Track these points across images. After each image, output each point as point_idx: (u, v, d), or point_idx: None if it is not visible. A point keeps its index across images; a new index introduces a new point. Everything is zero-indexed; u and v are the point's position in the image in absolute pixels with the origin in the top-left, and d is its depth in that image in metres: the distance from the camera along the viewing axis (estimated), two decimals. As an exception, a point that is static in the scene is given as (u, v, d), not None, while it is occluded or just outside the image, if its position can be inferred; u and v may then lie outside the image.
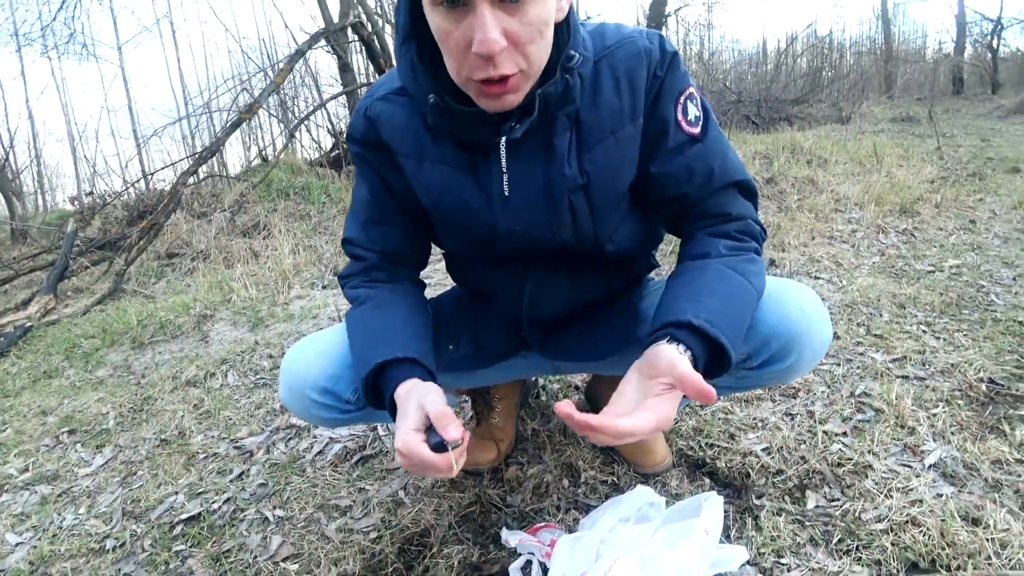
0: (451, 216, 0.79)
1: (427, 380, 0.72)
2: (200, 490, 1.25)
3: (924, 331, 1.55)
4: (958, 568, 0.82)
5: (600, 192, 0.76)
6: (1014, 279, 1.88)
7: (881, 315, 1.66)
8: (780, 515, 0.95)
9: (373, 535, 1.01)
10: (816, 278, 2.05)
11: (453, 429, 0.62)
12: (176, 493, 1.25)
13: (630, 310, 0.91)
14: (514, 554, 0.90)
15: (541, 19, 0.60)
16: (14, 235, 5.38)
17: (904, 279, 1.93)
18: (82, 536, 1.17)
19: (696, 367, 0.62)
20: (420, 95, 0.70)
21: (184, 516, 1.17)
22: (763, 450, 1.11)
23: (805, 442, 1.13)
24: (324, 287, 2.69)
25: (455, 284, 1.03)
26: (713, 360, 0.66)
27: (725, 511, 0.94)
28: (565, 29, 0.67)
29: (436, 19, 0.60)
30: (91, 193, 5.07)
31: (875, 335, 1.54)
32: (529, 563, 0.87)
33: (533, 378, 1.39)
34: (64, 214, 5.35)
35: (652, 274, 1.01)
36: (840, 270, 2.10)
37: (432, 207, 0.81)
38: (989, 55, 9.24)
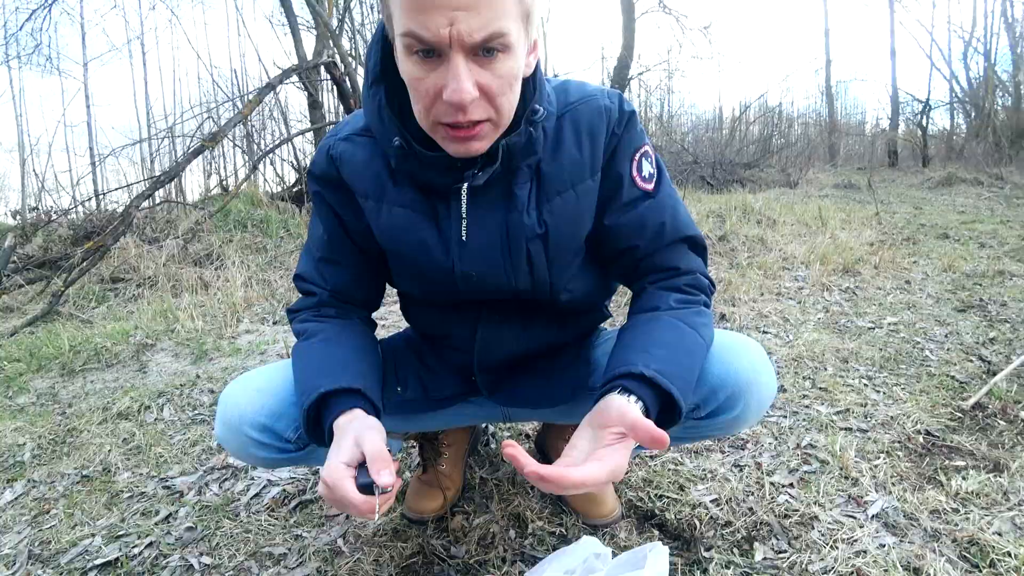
0: (408, 258, 0.79)
1: (370, 415, 0.70)
2: (120, 532, 1.15)
3: (866, 384, 1.61)
4: (899, 623, 0.82)
5: (557, 242, 0.77)
6: (946, 336, 1.98)
7: (826, 369, 1.72)
8: (728, 567, 0.94)
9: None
10: (765, 332, 2.12)
11: (387, 475, 0.61)
12: (93, 535, 1.14)
13: (582, 359, 0.92)
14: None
15: (512, 73, 0.62)
16: (-56, 250, 5.03)
17: (847, 335, 2.02)
18: None
19: (648, 417, 0.62)
20: (385, 137, 0.71)
21: (99, 561, 1.06)
22: (712, 501, 1.11)
23: (753, 493, 1.14)
24: (275, 322, 2.61)
25: (408, 327, 1.02)
26: (664, 411, 0.66)
27: (673, 564, 0.94)
28: (531, 84, 0.70)
29: (409, 66, 0.61)
30: (35, 208, 4.83)
31: (820, 388, 1.59)
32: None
33: (483, 425, 1.37)
34: (3, 228, 5.07)
35: (605, 324, 1.02)
36: (787, 325, 2.18)
37: (390, 248, 0.80)
38: (919, 132, 10.08)
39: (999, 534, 0.97)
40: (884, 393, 1.54)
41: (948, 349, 1.86)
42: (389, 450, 0.64)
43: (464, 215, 0.74)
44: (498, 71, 0.61)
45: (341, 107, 5.05)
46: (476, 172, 0.71)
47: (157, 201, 4.44)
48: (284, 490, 1.24)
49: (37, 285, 3.42)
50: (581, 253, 0.81)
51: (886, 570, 0.90)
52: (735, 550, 0.98)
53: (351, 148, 0.77)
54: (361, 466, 0.62)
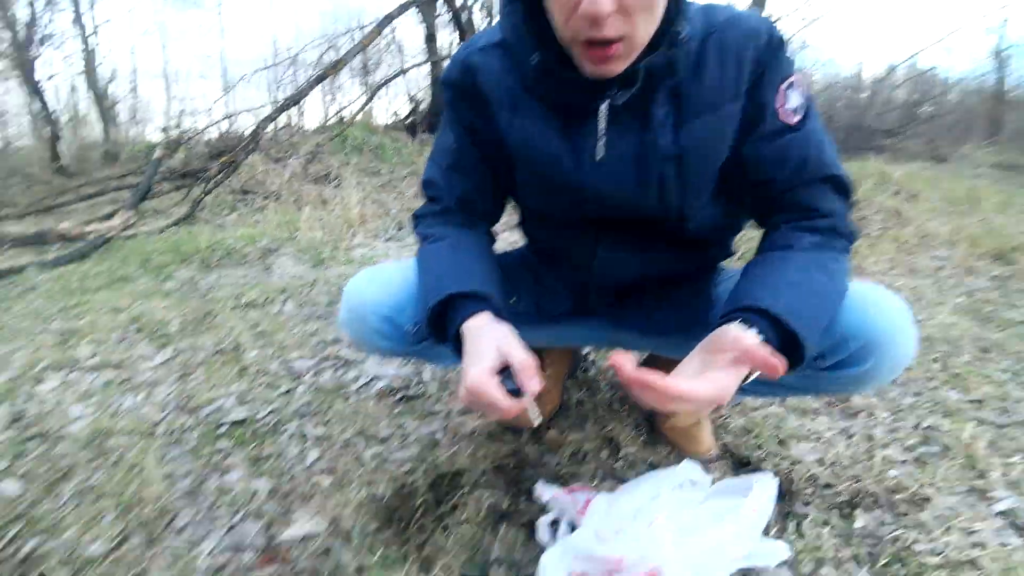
0: (539, 171, 0.79)
1: (499, 320, 0.71)
2: (248, 398, 1.30)
3: (1008, 379, 1.43)
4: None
5: (692, 166, 0.73)
6: None
7: (961, 355, 1.55)
8: (825, 527, 0.90)
9: (407, 467, 1.03)
10: (890, 309, 1.94)
11: (535, 383, 0.63)
12: (226, 397, 1.31)
13: (701, 294, 0.89)
14: (544, 510, 0.90)
15: None
16: (106, 157, 5.75)
17: (991, 324, 1.79)
18: (137, 419, 1.24)
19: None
20: (523, 54, 0.71)
21: (231, 419, 1.22)
22: (815, 461, 1.06)
23: (860, 463, 1.07)
24: (388, 239, 2.76)
25: (522, 244, 1.03)
26: (785, 353, 0.61)
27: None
28: (675, 3, 0.66)
29: None
30: (179, 126, 5.36)
31: (952, 373, 1.44)
32: (558, 521, 0.86)
33: (584, 351, 1.37)
34: (151, 145, 5.68)
35: (727, 263, 0.97)
36: (919, 304, 1.97)
37: (521, 160, 0.80)
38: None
39: None
40: (1031, 391, 1.37)
41: None
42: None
43: (602, 133, 0.73)
44: None
45: (457, 40, 5.05)
46: (615, 91, 0.69)
47: (281, 125, 4.74)
48: (390, 384, 1.33)
49: (180, 193, 3.83)
50: (714, 181, 0.77)
51: (1007, 569, 0.82)
52: (835, 512, 0.93)
53: (487, 59, 0.77)
54: (504, 371, 0.64)
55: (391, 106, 6.27)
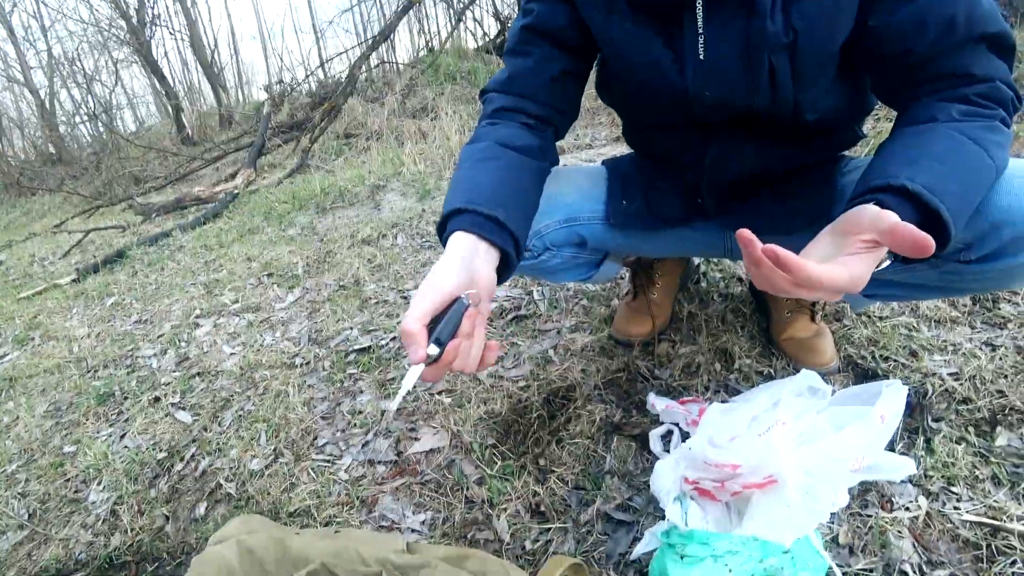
0: (637, 77, 0.75)
1: (482, 236, 0.63)
2: (371, 328, 1.44)
3: None
4: None
5: (807, 52, 0.65)
6: None
7: None
8: (960, 443, 0.85)
9: (521, 383, 1.11)
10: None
11: (417, 352, 0.53)
12: (351, 328, 1.46)
13: (827, 185, 0.81)
14: (656, 421, 0.93)
15: None
16: (222, 121, 6.27)
17: None
18: (278, 353, 1.43)
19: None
20: None
21: (357, 347, 1.37)
22: (951, 375, 0.98)
23: (1007, 377, 0.97)
24: None
25: (631, 151, 0.99)
26: (928, 230, 0.51)
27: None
28: None
29: None
30: (280, 82, 5.69)
31: None
32: (671, 432, 0.89)
33: (697, 263, 1.35)
34: (259, 103, 6.09)
35: (855, 150, 0.87)
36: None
37: (618, 66, 0.76)
38: None
39: None
40: None
41: None
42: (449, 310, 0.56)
43: (701, 30, 0.67)
44: None
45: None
46: None
47: (374, 64, 4.83)
48: (501, 305, 1.41)
49: (290, 145, 4.11)
50: (835, 63, 0.68)
51: None
52: (971, 428, 0.87)
53: None
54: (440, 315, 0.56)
55: (479, 28, 6.11)
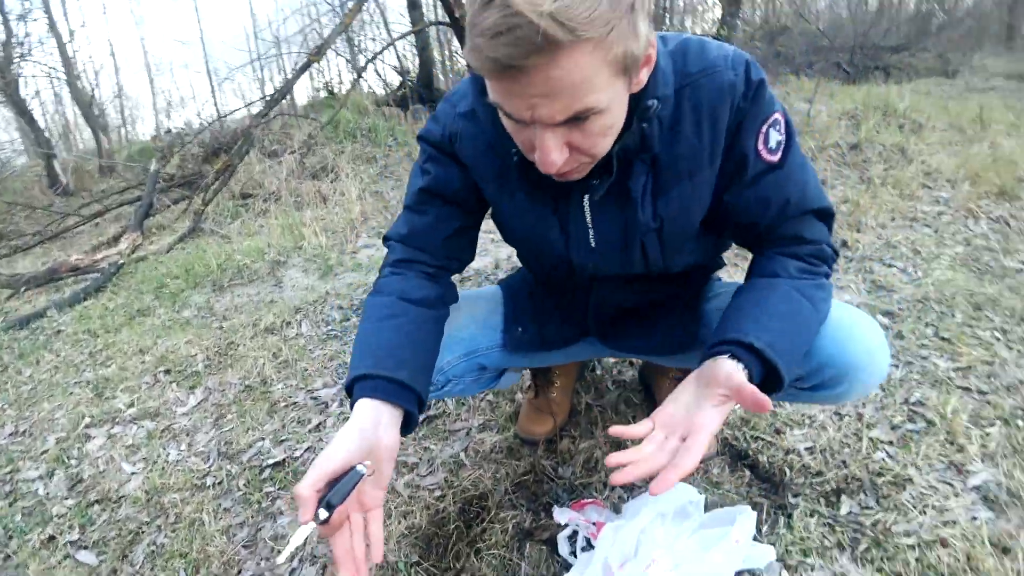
0: (528, 244, 0.87)
1: (386, 400, 0.71)
2: (283, 437, 1.44)
3: (998, 339, 1.52)
4: (977, 593, 0.88)
5: (672, 233, 0.80)
6: None
7: (954, 316, 1.63)
8: (813, 516, 1.02)
9: (437, 493, 1.17)
10: (890, 266, 2.00)
11: (305, 514, 0.62)
12: (263, 439, 1.45)
13: (693, 311, 0.96)
14: (562, 526, 1.03)
15: (606, 126, 0.62)
16: (102, 170, 5.83)
17: (987, 277, 1.86)
18: (186, 472, 1.38)
19: (752, 382, 0.67)
20: (501, 146, 0.75)
21: (271, 461, 1.36)
22: (806, 449, 1.17)
23: (849, 446, 1.18)
24: None
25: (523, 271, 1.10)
26: (768, 379, 0.70)
27: (759, 504, 1.04)
28: (648, 79, 0.65)
29: (503, 118, 0.63)
30: (169, 131, 5.41)
31: (943, 338, 1.53)
32: (575, 533, 0.99)
33: None
34: (146, 147, 5.74)
35: (718, 273, 1.04)
36: (917, 259, 2.03)
37: (510, 229, 0.88)
38: None
39: None
40: (1018, 352, 1.45)
41: None
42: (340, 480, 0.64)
43: (590, 224, 0.79)
44: (590, 130, 0.61)
45: (441, 7, 4.93)
46: (594, 183, 0.73)
47: (272, 116, 4.75)
48: None
49: (181, 204, 3.92)
50: (696, 234, 0.83)
51: (972, 545, 0.94)
52: (822, 500, 1.06)
53: (471, 129, 0.79)
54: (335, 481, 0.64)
55: (381, 77, 6.18)
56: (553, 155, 0.60)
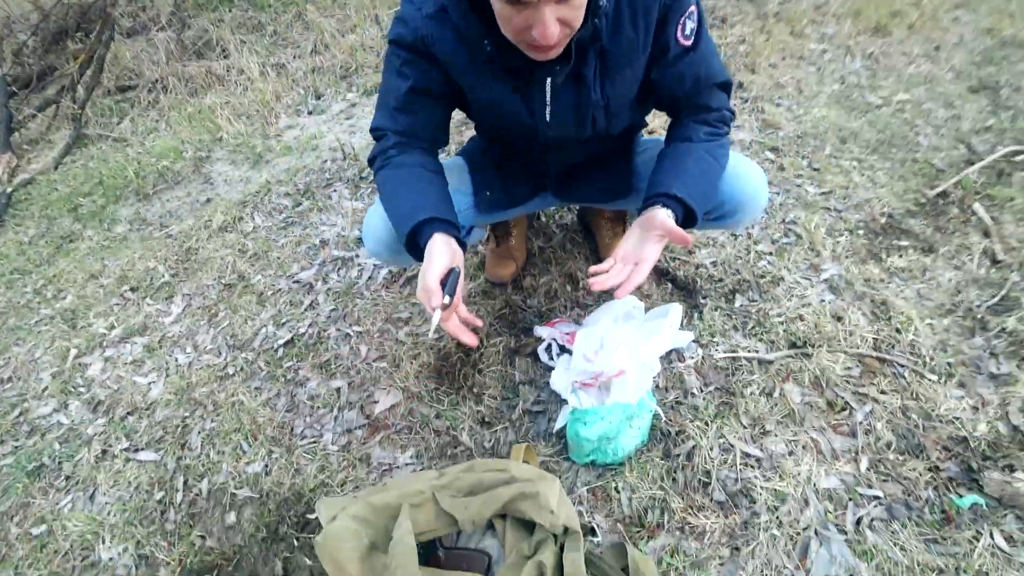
0: (500, 123, 1.16)
1: (450, 235, 1.01)
2: (283, 320, 1.75)
3: (855, 167, 2.02)
4: (819, 346, 1.40)
5: (616, 107, 1.12)
6: (945, 121, 2.26)
7: (824, 149, 2.12)
8: (716, 310, 1.52)
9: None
10: (778, 104, 2.44)
11: (437, 300, 0.96)
12: (264, 326, 1.75)
13: (627, 164, 1.34)
14: (539, 340, 1.47)
15: (583, 3, 0.86)
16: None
17: (854, 112, 2.35)
18: (204, 368, 1.66)
19: (676, 222, 1.06)
20: (472, 36, 1.00)
21: (281, 341, 1.68)
22: (711, 263, 1.66)
23: (741, 258, 1.68)
24: (311, 113, 2.93)
25: (482, 143, 1.39)
26: (687, 218, 1.09)
27: (681, 304, 1.51)
28: None
29: (499, 6, 0.87)
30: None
31: (814, 168, 2.02)
32: (551, 346, 1.44)
33: None
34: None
35: (642, 132, 1.41)
36: (800, 98, 2.48)
37: (483, 112, 1.16)
38: None
39: (904, 299, 1.51)
40: (867, 177, 1.97)
41: (942, 135, 2.16)
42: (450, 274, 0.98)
43: (548, 102, 1.09)
44: (575, 4, 0.84)
45: None
46: (556, 68, 0.99)
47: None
48: (390, 271, 1.81)
49: (49, 112, 3.58)
50: (631, 105, 1.16)
51: (819, 317, 1.47)
52: (722, 299, 1.56)
53: (439, 29, 1.00)
54: (444, 280, 0.97)
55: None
56: (552, 28, 0.84)
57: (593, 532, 1.13)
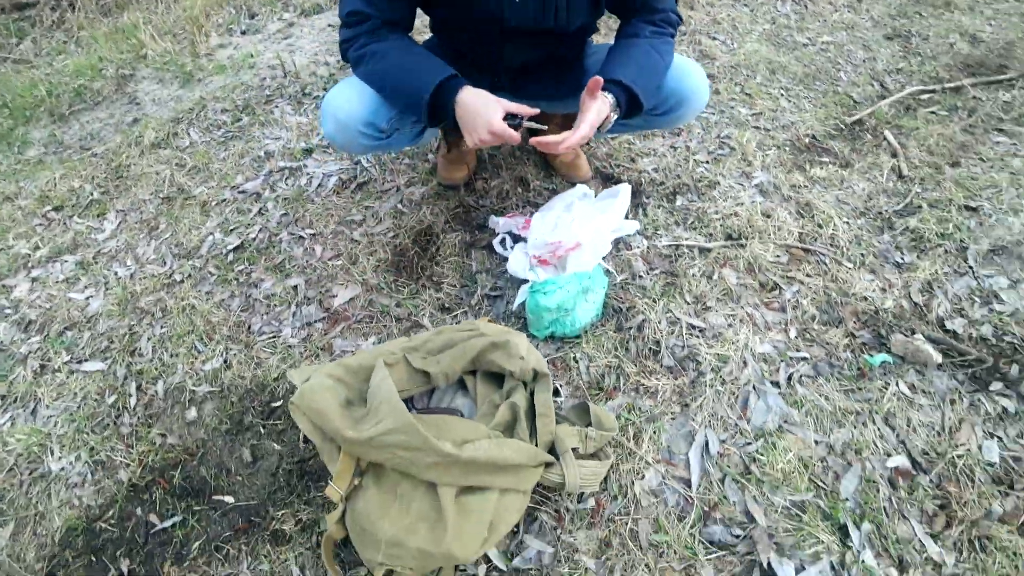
0: (467, 13, 1.18)
1: (475, 87, 1.11)
2: (231, 227, 1.70)
3: (782, 95, 2.16)
4: (751, 238, 1.52)
5: (575, 2, 1.18)
6: (863, 61, 2.44)
7: (755, 78, 2.25)
8: (659, 208, 1.61)
9: (391, 234, 1.57)
10: (713, 38, 2.54)
11: (529, 111, 1.11)
12: (210, 234, 1.69)
13: (579, 64, 1.40)
14: (494, 234, 1.52)
15: None
16: None
17: (783, 49, 2.49)
18: (149, 277, 1.58)
19: (621, 109, 1.13)
20: None
21: (230, 247, 1.63)
22: (653, 169, 1.75)
23: (681, 166, 1.77)
24: (244, 32, 2.78)
25: (437, 39, 1.41)
26: (632, 105, 1.17)
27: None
28: None
29: None
30: None
31: (746, 94, 2.14)
32: (504, 239, 1.48)
33: None
34: None
35: (594, 38, 1.46)
36: (735, 33, 2.60)
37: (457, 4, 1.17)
38: None
39: (825, 201, 1.66)
40: (793, 103, 2.11)
41: (860, 73, 2.34)
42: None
43: None
44: None
45: None
46: None
47: None
48: (340, 178, 1.79)
49: None
50: (590, 1, 1.23)
51: (752, 214, 1.58)
52: (664, 199, 1.65)
53: None
54: (505, 117, 1.09)
55: None
56: None
57: (557, 392, 1.20)
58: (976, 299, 1.37)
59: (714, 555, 0.98)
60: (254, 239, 1.65)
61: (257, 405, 1.27)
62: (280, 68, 2.39)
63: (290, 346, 1.36)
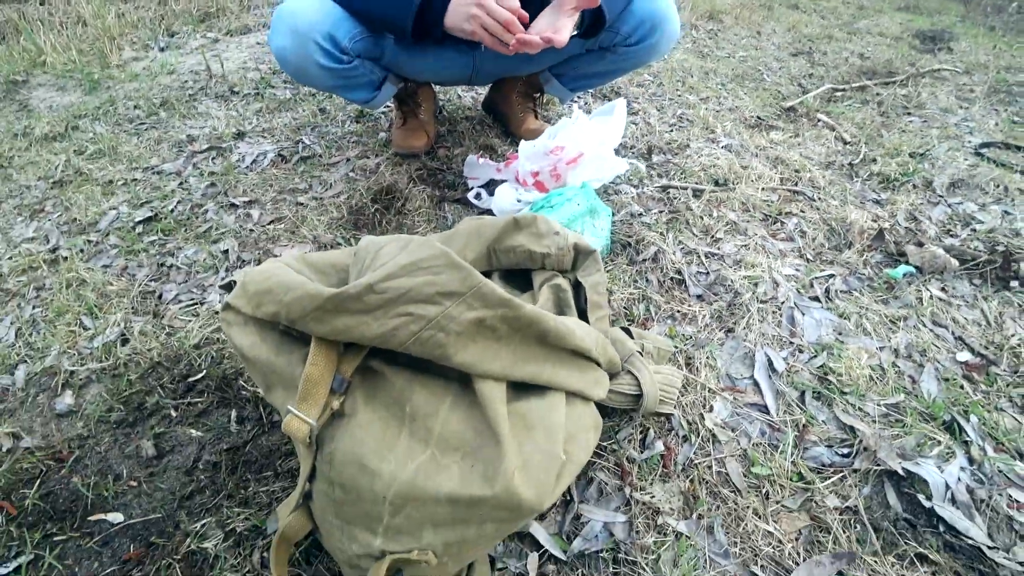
0: None
1: None
2: (142, 201, 1.33)
3: (720, 88, 2.12)
4: (737, 183, 1.37)
5: None
6: (780, 68, 2.51)
7: (693, 76, 2.20)
8: (642, 161, 1.43)
9: (345, 196, 1.27)
10: (643, 60, 2.53)
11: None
12: (114, 208, 1.31)
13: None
14: (467, 188, 1.25)
15: None
16: None
17: (708, 58, 2.50)
18: (23, 256, 1.19)
19: (586, 24, 0.99)
20: None
21: (138, 219, 1.26)
22: (629, 136, 1.58)
23: (649, 134, 1.62)
24: (163, 49, 2.45)
25: None
26: (596, 20, 1.02)
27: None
28: None
29: None
30: None
31: (689, 86, 2.08)
32: (480, 193, 1.22)
33: (443, 94, 1.69)
34: None
35: None
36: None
37: None
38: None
39: (792, 156, 1.55)
40: (732, 94, 2.06)
41: (780, 76, 2.39)
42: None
43: None
44: None
45: None
46: None
47: None
48: (279, 153, 1.48)
49: None
50: None
51: (731, 164, 1.44)
52: (641, 157, 1.47)
53: None
54: None
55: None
56: None
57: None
58: (957, 222, 1.28)
59: (831, 479, 0.71)
60: (172, 211, 1.29)
61: (168, 382, 0.89)
62: (206, 71, 2.08)
63: (217, 312, 1.00)
